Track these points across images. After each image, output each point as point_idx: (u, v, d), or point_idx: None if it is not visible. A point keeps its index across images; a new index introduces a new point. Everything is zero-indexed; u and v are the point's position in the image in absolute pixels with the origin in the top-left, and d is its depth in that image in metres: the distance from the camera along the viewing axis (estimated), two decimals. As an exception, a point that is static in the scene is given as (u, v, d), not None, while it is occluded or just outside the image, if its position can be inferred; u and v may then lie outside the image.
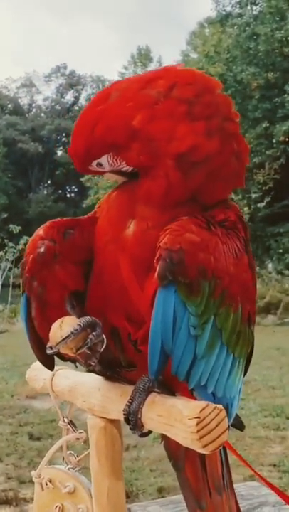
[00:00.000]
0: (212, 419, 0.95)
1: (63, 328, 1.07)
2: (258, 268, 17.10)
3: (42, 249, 1.15)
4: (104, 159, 1.13)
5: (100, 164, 1.14)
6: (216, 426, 0.95)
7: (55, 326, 1.08)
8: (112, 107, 1.09)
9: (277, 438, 4.85)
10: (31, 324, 1.19)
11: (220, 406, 0.97)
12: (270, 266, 19.03)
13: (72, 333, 1.06)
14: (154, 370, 1.02)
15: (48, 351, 1.10)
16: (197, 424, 0.94)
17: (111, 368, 1.20)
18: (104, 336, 1.10)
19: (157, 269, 1.01)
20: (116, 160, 1.12)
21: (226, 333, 1.07)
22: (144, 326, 1.07)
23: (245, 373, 1.21)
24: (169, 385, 1.08)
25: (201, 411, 0.95)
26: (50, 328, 1.11)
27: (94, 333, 1.08)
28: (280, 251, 19.22)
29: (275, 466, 4.24)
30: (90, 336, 1.07)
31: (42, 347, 1.17)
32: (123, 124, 1.07)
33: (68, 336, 1.05)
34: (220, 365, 1.07)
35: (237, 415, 1.37)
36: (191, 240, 1.01)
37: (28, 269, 1.16)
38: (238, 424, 1.38)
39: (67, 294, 1.18)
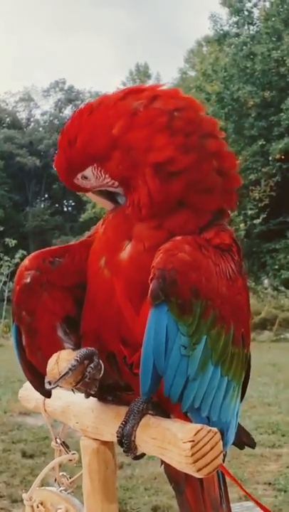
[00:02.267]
0: (206, 443, 0.94)
1: (60, 364, 1.07)
2: (253, 284, 17.13)
3: (28, 280, 1.18)
4: (89, 171, 1.14)
5: (85, 177, 1.15)
6: (211, 449, 0.94)
7: (51, 361, 1.09)
8: (94, 117, 1.12)
9: (272, 456, 4.81)
10: (23, 352, 1.20)
11: (214, 429, 0.96)
12: (265, 282, 19.04)
13: (70, 369, 1.07)
14: (146, 391, 1.02)
15: (47, 386, 1.11)
16: (191, 447, 0.93)
17: (111, 392, 1.19)
18: (101, 363, 1.10)
19: (150, 289, 1.01)
20: (100, 172, 1.13)
21: (217, 355, 1.06)
22: (139, 350, 1.07)
23: (242, 397, 1.20)
24: (164, 408, 1.07)
25: (195, 434, 0.94)
26: (41, 355, 1.13)
27: (91, 364, 1.08)
28: (276, 267, 19.24)
29: (270, 484, 4.20)
30: (88, 369, 1.08)
31: (35, 373, 1.18)
32: (103, 132, 1.10)
33: (66, 373, 1.06)
34: (214, 388, 1.06)
35: (248, 433, 1.37)
36: (184, 260, 1.02)
37: (16, 300, 1.18)
38: (250, 443, 1.38)
39: (58, 321, 1.19)
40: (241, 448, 1.39)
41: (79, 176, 1.16)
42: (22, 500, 1.35)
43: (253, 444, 1.39)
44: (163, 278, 1.00)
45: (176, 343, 1.00)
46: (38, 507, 1.33)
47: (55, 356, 1.09)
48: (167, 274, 1.00)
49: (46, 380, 1.10)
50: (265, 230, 19.96)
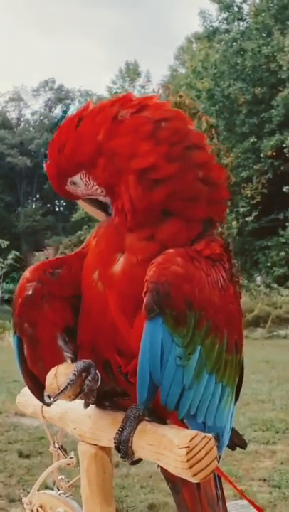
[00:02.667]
0: (201, 448, 0.97)
1: (59, 378, 1.10)
2: (246, 282, 17.18)
3: (30, 292, 1.19)
4: (78, 178, 1.17)
5: (74, 183, 1.18)
6: (206, 455, 0.97)
7: (50, 376, 1.11)
8: (82, 124, 1.14)
9: (267, 452, 4.85)
10: (24, 363, 1.22)
11: (209, 435, 0.99)
12: (258, 279, 19.11)
13: (68, 384, 1.09)
14: (144, 401, 1.05)
15: (47, 400, 1.14)
16: (187, 453, 0.96)
17: (108, 399, 1.22)
18: (98, 374, 1.13)
19: (144, 302, 1.03)
20: (88, 179, 1.16)
21: (212, 363, 1.09)
22: (134, 360, 1.09)
23: (236, 400, 1.23)
24: (160, 414, 1.10)
25: (190, 440, 0.97)
26: (42, 365, 1.16)
27: (89, 377, 1.11)
28: (269, 264, 19.31)
29: (265, 480, 4.24)
30: (86, 382, 1.10)
31: (36, 383, 1.21)
32: (89, 139, 1.12)
33: (65, 388, 1.08)
34: (209, 395, 1.09)
35: (239, 434, 1.40)
36: (177, 273, 1.04)
37: (18, 312, 1.20)
38: (241, 443, 1.41)
39: (58, 331, 1.21)
40: (233, 449, 1.42)
41: (69, 182, 1.19)
42: (19, 500, 1.37)
43: (244, 445, 1.42)
44: (157, 291, 1.02)
45: (171, 354, 1.03)
46: (37, 510, 1.35)
47: (53, 371, 1.12)
48: (161, 287, 1.02)
49: (45, 393, 1.13)
50: (257, 228, 20.01)
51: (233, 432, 1.37)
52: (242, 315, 1.21)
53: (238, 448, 1.46)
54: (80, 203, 1.24)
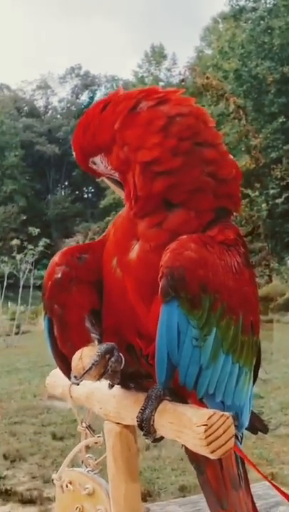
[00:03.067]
0: (219, 426, 1.00)
1: (84, 360, 1.16)
2: (277, 265, 16.99)
3: (59, 275, 1.26)
4: (98, 159, 1.24)
5: (94, 163, 1.25)
6: (223, 432, 1.00)
7: (75, 358, 1.17)
8: (106, 111, 1.20)
9: (297, 436, 4.86)
10: (54, 343, 1.28)
11: (227, 413, 1.02)
12: (289, 262, 18.87)
13: (93, 364, 1.14)
14: (162, 381, 1.09)
15: (73, 381, 1.20)
16: (205, 430, 0.99)
17: (133, 380, 1.26)
18: (122, 356, 1.18)
19: (160, 286, 1.08)
20: (106, 162, 1.22)
21: (228, 344, 1.12)
22: (153, 343, 1.13)
23: (254, 382, 1.26)
24: (181, 394, 1.13)
25: (208, 418, 1.01)
26: (71, 345, 1.23)
27: (112, 358, 1.16)
28: (300, 247, 19.05)
29: (296, 463, 4.26)
30: (110, 363, 1.16)
31: (65, 362, 1.26)
32: (108, 126, 1.18)
33: (90, 368, 1.14)
34: (226, 375, 1.12)
35: (260, 418, 1.43)
36: (191, 258, 1.08)
37: (48, 294, 1.26)
38: (262, 428, 1.44)
39: (85, 313, 1.27)
40: (254, 433, 1.44)
41: (90, 161, 1.26)
42: (53, 481, 1.44)
43: (265, 429, 1.44)
44: (172, 275, 1.06)
45: (187, 335, 1.07)
46: (67, 486, 1.41)
47: (78, 353, 1.17)
48: (175, 272, 1.06)
49: (72, 374, 1.18)
50: (288, 209, 19.72)
51: (254, 416, 1.39)
52: (258, 298, 1.23)
53: (269, 432, 1.47)
54: (104, 179, 1.30)
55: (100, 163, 1.24)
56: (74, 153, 1.27)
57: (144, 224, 1.16)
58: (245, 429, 1.29)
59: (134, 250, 1.18)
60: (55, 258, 1.28)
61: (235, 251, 1.17)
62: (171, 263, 1.07)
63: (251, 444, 4.39)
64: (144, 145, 1.13)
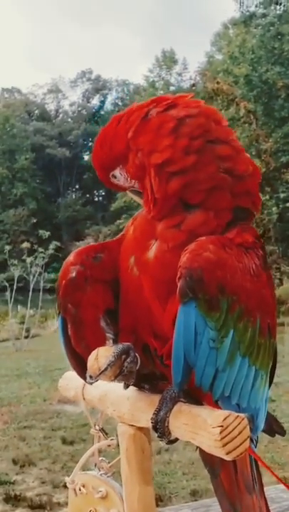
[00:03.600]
0: (234, 428, 1.00)
1: (100, 360, 1.15)
2: (287, 268, 16.91)
3: (73, 275, 1.26)
4: (117, 172, 1.25)
5: (114, 176, 1.26)
6: (239, 434, 1.00)
7: (91, 358, 1.17)
8: (121, 123, 1.22)
9: (309, 440, 4.82)
10: (68, 342, 1.27)
11: (242, 415, 1.02)
12: (300, 266, 18.76)
13: (108, 365, 1.14)
14: (178, 382, 1.09)
15: (89, 380, 1.19)
16: (220, 432, 0.99)
17: (148, 381, 1.26)
18: (137, 356, 1.18)
19: (178, 287, 1.07)
20: (125, 173, 1.23)
21: (245, 346, 1.12)
22: (168, 343, 1.13)
23: (270, 385, 1.25)
24: (196, 396, 1.13)
25: (224, 420, 1.00)
26: (85, 345, 1.22)
27: (128, 359, 1.16)
28: (311, 250, 18.96)
29: (308, 468, 4.23)
30: (125, 364, 1.16)
31: (79, 362, 1.26)
32: (122, 136, 1.20)
33: (106, 369, 1.14)
34: (242, 377, 1.12)
35: (278, 421, 1.42)
36: (210, 259, 1.08)
37: (62, 293, 1.26)
38: (279, 430, 1.43)
39: (100, 313, 1.27)
40: (272, 435, 1.43)
41: (110, 176, 1.26)
42: (63, 486, 1.43)
43: (282, 432, 1.43)
44: (190, 276, 1.06)
45: (204, 337, 1.06)
46: (80, 490, 1.41)
47: (94, 353, 1.17)
48: (194, 273, 1.06)
49: (87, 374, 1.18)
50: (298, 213, 19.62)
51: (272, 418, 1.39)
52: (275, 301, 1.23)
53: (280, 436, 1.46)
54: (128, 193, 1.31)
55: (119, 175, 1.25)
56: (94, 165, 1.28)
57: (163, 224, 1.17)
58: (263, 431, 1.29)
59: (152, 250, 1.18)
60: (70, 257, 1.28)
61: (254, 253, 1.17)
62: (189, 264, 1.07)
63: (263, 447, 4.37)
64: (156, 148, 1.15)
